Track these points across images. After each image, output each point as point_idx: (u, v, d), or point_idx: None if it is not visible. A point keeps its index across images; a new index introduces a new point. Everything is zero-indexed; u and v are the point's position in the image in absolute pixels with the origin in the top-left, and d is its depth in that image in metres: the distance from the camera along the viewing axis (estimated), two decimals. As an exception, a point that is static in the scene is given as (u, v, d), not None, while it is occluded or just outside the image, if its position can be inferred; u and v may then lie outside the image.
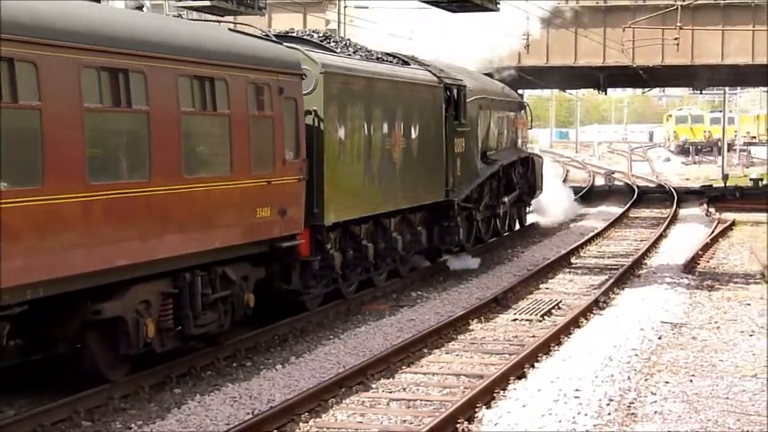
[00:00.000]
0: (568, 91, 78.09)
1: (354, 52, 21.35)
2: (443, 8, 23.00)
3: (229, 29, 16.82)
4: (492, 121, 28.72)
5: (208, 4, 20.92)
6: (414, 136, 22.08)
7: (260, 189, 15.46)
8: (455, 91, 24.56)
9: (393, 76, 21.54)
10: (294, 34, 20.63)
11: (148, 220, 12.95)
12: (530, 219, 35.46)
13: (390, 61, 22.90)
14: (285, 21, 35.37)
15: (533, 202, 35.09)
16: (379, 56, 22.59)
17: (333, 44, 20.86)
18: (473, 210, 26.77)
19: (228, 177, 14.68)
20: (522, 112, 33.45)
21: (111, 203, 12.20)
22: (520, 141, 32.76)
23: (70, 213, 11.59)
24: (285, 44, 17.58)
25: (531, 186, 33.19)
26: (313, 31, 21.59)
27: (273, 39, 17.63)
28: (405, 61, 23.81)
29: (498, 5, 23.31)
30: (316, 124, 17.89)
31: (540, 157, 36.42)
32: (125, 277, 12.70)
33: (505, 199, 30.03)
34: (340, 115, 18.73)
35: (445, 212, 24.19)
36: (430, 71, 23.86)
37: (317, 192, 17.81)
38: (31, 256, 11.05)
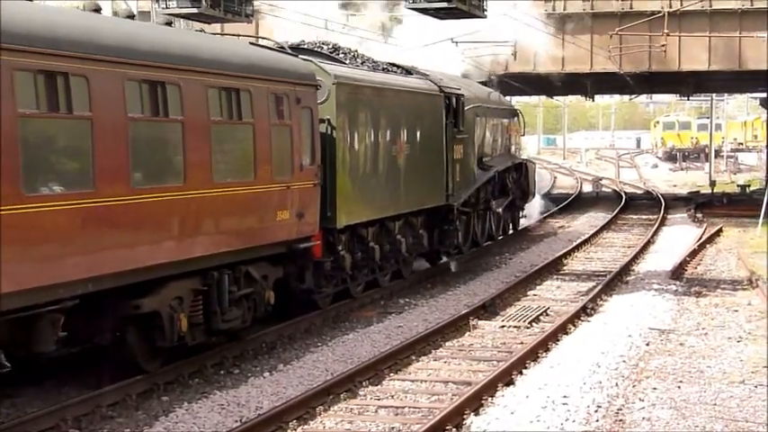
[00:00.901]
0: (556, 98, 78.42)
1: (362, 63, 22.18)
2: (431, 15, 23.46)
3: (250, 42, 17.66)
4: (487, 129, 29.38)
5: (195, 11, 21.57)
6: (417, 143, 22.85)
7: (280, 193, 16.31)
8: (454, 99, 25.25)
9: (398, 86, 22.33)
10: (305, 46, 21.48)
11: (183, 222, 13.82)
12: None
13: (394, 71, 23.69)
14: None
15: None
16: (385, 66, 23.41)
17: (342, 55, 21.70)
18: (470, 214, 27.65)
19: (252, 182, 15.55)
20: (515, 119, 34.08)
21: (151, 206, 13.10)
22: (513, 148, 33.39)
23: (117, 215, 12.46)
24: (299, 56, 18.45)
25: (524, 191, 33.87)
26: (323, 43, 22.39)
27: (289, 51, 18.53)
28: (407, 71, 24.60)
29: (485, 12, 23.81)
30: (329, 132, 18.72)
31: (533, 163, 37.04)
32: (163, 274, 13.54)
33: (499, 210, 30.84)
34: (351, 123, 19.57)
35: (445, 216, 24.94)
36: (430, 80, 24.60)
37: (330, 196, 18.63)
38: (84, 253, 11.93)
